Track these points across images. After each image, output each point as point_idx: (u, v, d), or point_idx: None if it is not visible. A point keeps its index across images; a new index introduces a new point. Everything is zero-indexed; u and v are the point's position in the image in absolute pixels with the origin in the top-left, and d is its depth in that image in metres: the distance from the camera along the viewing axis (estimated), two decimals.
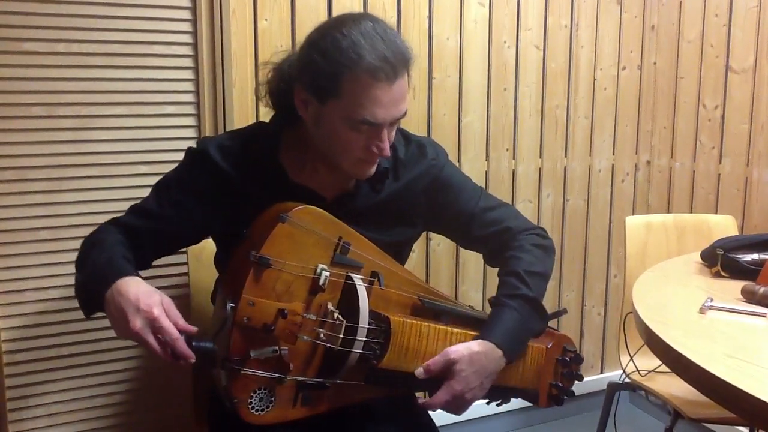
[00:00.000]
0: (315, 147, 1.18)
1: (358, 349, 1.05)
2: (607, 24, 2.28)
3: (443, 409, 1.13)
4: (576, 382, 1.30)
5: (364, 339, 1.06)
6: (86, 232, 1.53)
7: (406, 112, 1.13)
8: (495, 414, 2.24)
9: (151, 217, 1.18)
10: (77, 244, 1.52)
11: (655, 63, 2.39)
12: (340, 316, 1.06)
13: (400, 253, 1.32)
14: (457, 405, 1.13)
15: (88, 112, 1.54)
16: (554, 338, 1.29)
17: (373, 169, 1.18)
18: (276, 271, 1.02)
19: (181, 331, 0.99)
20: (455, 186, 1.31)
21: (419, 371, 1.10)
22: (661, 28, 2.35)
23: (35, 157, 1.51)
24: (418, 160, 1.28)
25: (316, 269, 1.06)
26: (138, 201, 1.23)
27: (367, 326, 1.06)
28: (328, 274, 1.06)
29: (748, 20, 2.04)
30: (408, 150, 1.28)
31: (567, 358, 1.29)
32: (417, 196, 1.28)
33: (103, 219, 1.56)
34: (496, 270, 1.30)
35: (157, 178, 1.28)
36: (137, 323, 0.96)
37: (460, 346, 1.12)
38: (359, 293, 1.07)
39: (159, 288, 1.03)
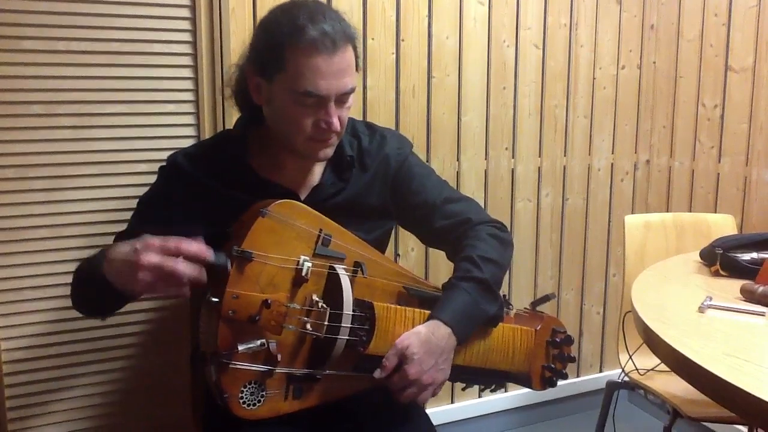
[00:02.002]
0: (277, 138, 1.21)
1: (344, 336, 1.06)
2: (606, 23, 2.28)
3: (406, 396, 1.11)
4: (569, 364, 1.32)
5: (349, 326, 1.07)
6: (86, 230, 1.55)
7: (353, 89, 1.15)
8: (494, 412, 2.24)
9: (134, 236, 1.18)
10: (77, 242, 1.54)
11: (654, 62, 2.39)
12: (323, 304, 1.07)
13: (383, 247, 1.36)
14: (417, 389, 1.11)
15: (88, 110, 1.54)
16: (543, 321, 1.30)
17: (330, 151, 1.21)
18: (259, 263, 1.03)
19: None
20: (418, 177, 1.34)
21: (377, 373, 1.09)
22: (660, 27, 2.36)
23: (35, 155, 1.50)
24: (382, 148, 1.32)
25: (298, 261, 1.07)
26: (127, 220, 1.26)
27: (351, 312, 1.07)
28: (310, 264, 1.08)
29: (747, 20, 2.04)
30: (372, 140, 1.32)
31: (557, 339, 1.30)
32: (384, 185, 1.31)
33: (103, 218, 1.56)
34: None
35: (156, 178, 1.29)
36: (149, 257, 0.92)
37: (406, 333, 1.12)
38: (342, 281, 1.08)
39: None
